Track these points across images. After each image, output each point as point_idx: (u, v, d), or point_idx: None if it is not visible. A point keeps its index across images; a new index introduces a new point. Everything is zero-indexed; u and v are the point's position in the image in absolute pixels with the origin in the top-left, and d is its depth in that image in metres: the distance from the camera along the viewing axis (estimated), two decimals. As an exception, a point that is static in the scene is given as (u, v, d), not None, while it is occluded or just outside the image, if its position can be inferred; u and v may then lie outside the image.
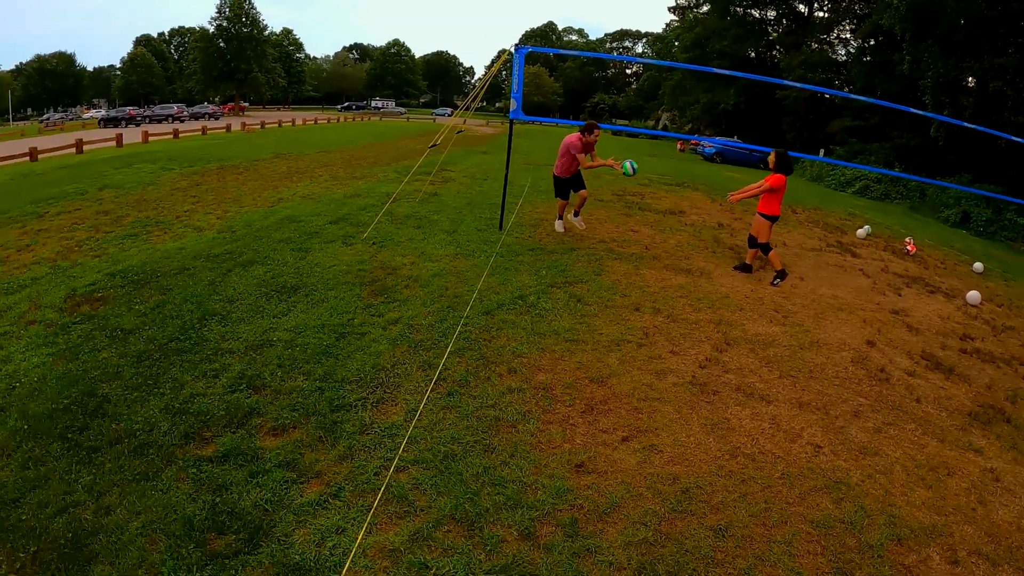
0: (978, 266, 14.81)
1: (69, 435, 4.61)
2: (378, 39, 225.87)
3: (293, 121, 48.83)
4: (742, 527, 3.94)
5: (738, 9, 56.64)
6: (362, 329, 6.17)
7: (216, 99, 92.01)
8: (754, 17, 57.74)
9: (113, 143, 25.06)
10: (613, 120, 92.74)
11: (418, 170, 12.86)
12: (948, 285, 11.78)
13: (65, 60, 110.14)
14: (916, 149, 33.71)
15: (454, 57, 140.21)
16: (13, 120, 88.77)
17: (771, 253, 9.37)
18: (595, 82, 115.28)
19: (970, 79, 27.38)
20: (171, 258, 8.48)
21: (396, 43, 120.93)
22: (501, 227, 10.35)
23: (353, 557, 3.53)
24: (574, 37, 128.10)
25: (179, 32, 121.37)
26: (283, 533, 3.73)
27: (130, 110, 60.12)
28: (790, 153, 9.16)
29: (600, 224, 11.50)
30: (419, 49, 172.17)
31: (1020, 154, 25.26)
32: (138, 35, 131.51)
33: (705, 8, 62.31)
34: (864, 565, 3.77)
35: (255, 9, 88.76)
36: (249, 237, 9.33)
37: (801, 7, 56.06)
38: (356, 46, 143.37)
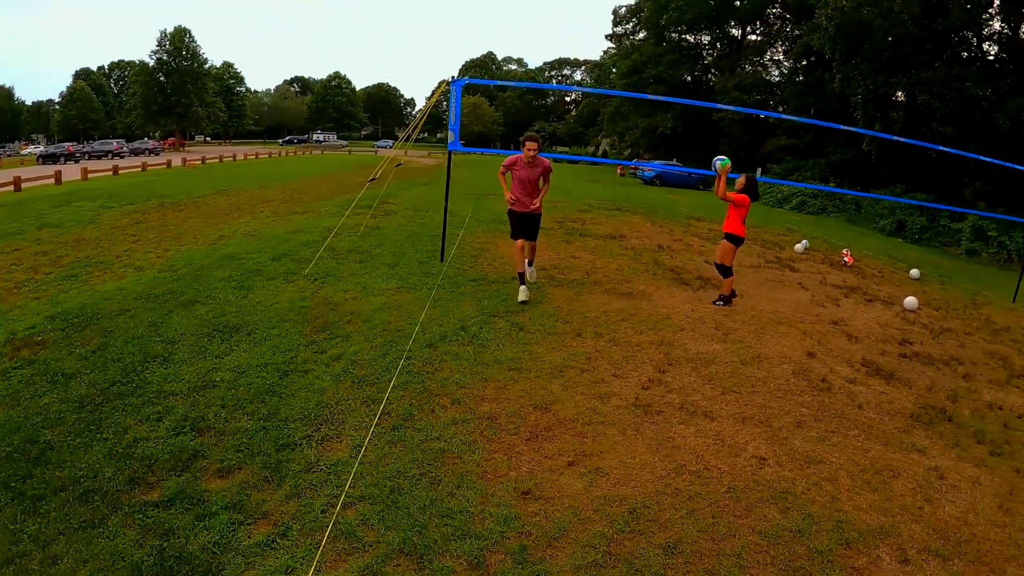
0: (914, 272, 15.60)
1: (12, 484, 4.56)
2: (319, 72, 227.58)
3: (234, 156, 49.14)
4: (691, 543, 4.11)
5: (673, 35, 59.99)
6: (305, 367, 6.25)
7: (156, 134, 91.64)
8: (689, 42, 61.21)
9: (52, 180, 25.15)
10: (554, 148, 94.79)
11: (359, 204, 13.06)
12: (886, 293, 12.40)
13: (3, 94, 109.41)
14: (850, 163, 35.70)
15: (395, 89, 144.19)
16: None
17: (729, 278, 9.70)
18: (535, 111, 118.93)
19: (899, 94, 29.19)
20: (112, 299, 8.44)
21: (337, 75, 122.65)
22: (443, 259, 10.65)
23: (303, 597, 3.60)
24: (513, 67, 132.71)
25: (119, 66, 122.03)
26: (233, 576, 3.77)
27: (69, 146, 60.03)
28: (729, 176, 9.51)
29: (541, 252, 11.72)
30: (360, 81, 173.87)
31: (950, 163, 26.74)
32: (77, 68, 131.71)
33: (641, 35, 65.94)
34: (815, 571, 3.97)
35: (196, 43, 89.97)
36: (190, 276, 9.35)
37: (735, 31, 59.82)
38: (297, 79, 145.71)
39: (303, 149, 79.48)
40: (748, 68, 55.47)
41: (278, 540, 4.03)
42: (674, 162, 47.68)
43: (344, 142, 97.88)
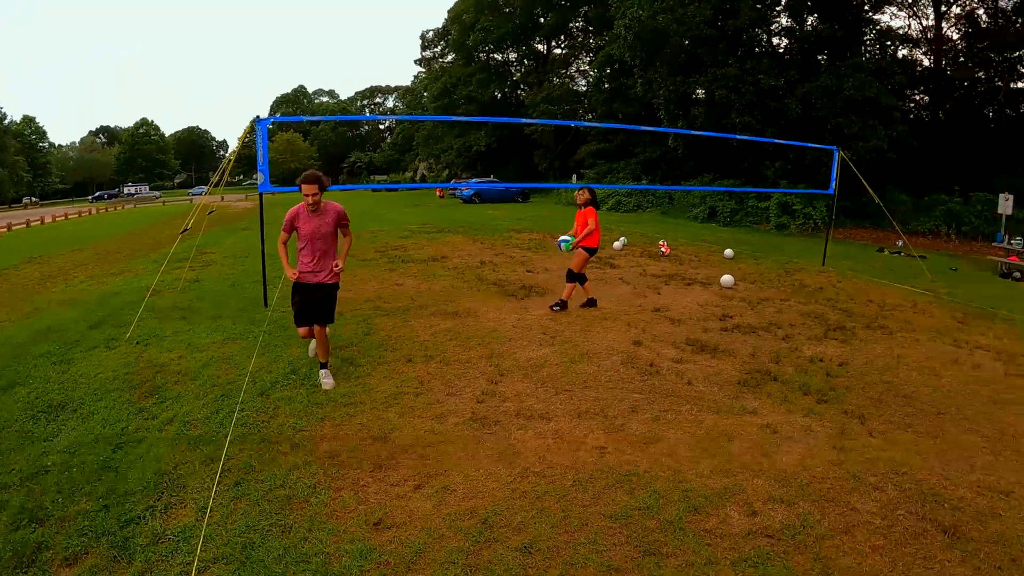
0: (728, 252, 16.93)
1: None
2: (126, 119, 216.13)
3: (42, 219, 45.24)
4: (546, 540, 4.36)
5: (481, 55, 62.42)
6: (138, 435, 6.04)
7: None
8: (497, 60, 63.95)
9: None
10: (372, 177, 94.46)
11: (176, 257, 12.65)
12: (703, 275, 13.43)
13: None
14: (659, 161, 38.51)
15: (206, 132, 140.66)
16: None
17: (573, 284, 10.37)
18: (350, 141, 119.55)
19: (699, 91, 31.64)
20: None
21: (145, 122, 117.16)
22: (266, 303, 10.55)
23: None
24: (325, 98, 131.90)
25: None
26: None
27: None
28: (544, 185, 10.19)
29: (364, 283, 12.12)
30: (169, 127, 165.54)
31: (751, 149, 29.44)
32: None
33: (450, 57, 68.11)
34: (669, 541, 4.31)
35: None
36: (7, 356, 8.69)
37: (540, 47, 63.21)
38: (103, 129, 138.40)
39: (115, 204, 74.99)
40: (556, 80, 58.55)
41: (138, 619, 3.97)
42: (491, 178, 49.67)
43: (157, 193, 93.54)
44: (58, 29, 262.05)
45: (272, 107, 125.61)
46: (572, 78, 60.39)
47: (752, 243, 21.50)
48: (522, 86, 63.40)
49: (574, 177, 46.43)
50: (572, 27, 59.85)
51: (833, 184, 16.09)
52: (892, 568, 4.09)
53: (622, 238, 18.24)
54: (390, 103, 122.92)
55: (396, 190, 59.06)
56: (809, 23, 31.76)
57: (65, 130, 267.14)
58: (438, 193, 50.62)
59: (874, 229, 26.81)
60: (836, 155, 15.84)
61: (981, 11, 34.22)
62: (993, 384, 7.75)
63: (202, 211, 12.62)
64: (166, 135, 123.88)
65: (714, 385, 7.13)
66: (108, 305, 11.28)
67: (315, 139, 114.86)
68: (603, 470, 5.20)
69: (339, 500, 4.82)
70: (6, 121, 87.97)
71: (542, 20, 58.96)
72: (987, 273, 17.96)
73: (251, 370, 7.43)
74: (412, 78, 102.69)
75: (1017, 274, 17.33)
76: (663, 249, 17.04)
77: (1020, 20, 31.56)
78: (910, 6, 35.91)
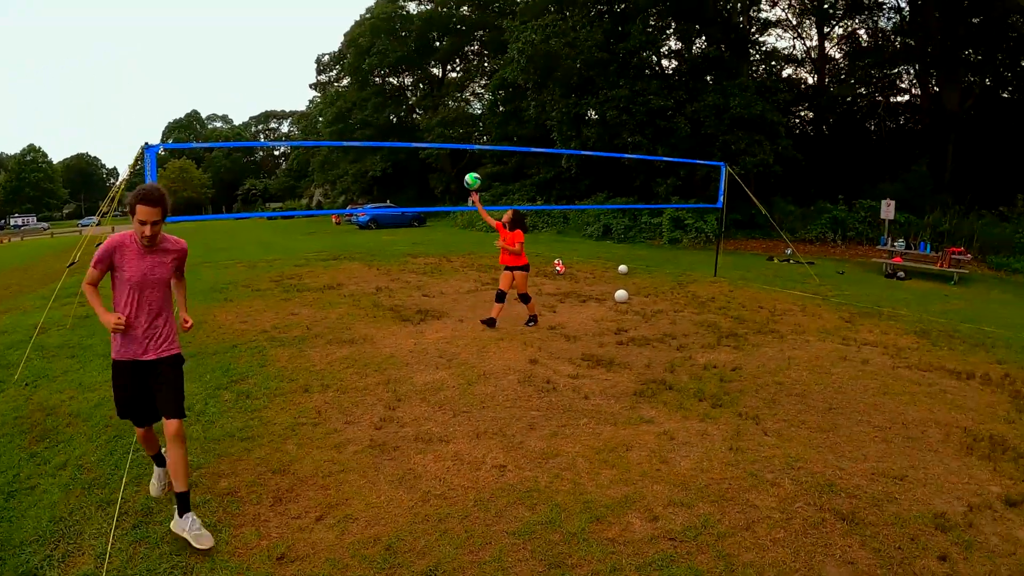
0: (623, 268, 17.29)
1: None
2: (11, 146, 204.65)
3: None
4: (450, 561, 4.33)
5: (377, 79, 62.26)
6: (30, 482, 5.73)
7: None
8: (393, 84, 63.86)
9: None
10: (267, 205, 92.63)
11: (65, 292, 12.04)
12: (598, 291, 13.68)
13: None
14: (553, 181, 39.34)
15: (96, 159, 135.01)
16: None
17: (531, 302, 10.93)
18: (245, 168, 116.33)
19: (591, 112, 32.29)
20: None
21: (32, 148, 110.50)
22: None
23: None
24: (219, 124, 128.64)
25: None
26: None
27: None
28: (440, 208, 10.30)
29: (259, 314, 11.86)
30: (57, 154, 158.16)
31: (643, 167, 30.43)
32: None
33: (346, 81, 67.44)
34: (573, 553, 4.34)
35: None
36: None
37: (436, 70, 63.53)
38: None
39: (1, 237, 71.27)
40: (451, 104, 58.97)
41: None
42: (387, 203, 49.45)
43: (45, 224, 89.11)
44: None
45: (164, 133, 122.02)
46: (467, 101, 61.01)
47: (646, 258, 22.03)
48: (418, 110, 63.59)
49: (470, 200, 46.66)
50: (467, 51, 60.65)
51: (721, 198, 16.62)
52: (795, 558, 4.22)
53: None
54: (285, 128, 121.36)
55: (292, 217, 58.15)
56: (697, 45, 33.01)
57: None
58: (334, 220, 50.17)
59: (764, 239, 27.89)
60: (724, 170, 16.39)
61: (862, 31, 36.58)
62: (881, 377, 8.15)
63: (91, 243, 12.22)
64: (54, 162, 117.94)
65: (611, 398, 7.24)
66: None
67: (209, 166, 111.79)
68: (504, 488, 5.20)
69: (240, 537, 4.69)
70: None
71: (437, 44, 59.57)
72: (873, 274, 18.90)
73: (146, 408, 7.19)
74: (307, 103, 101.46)
75: (901, 273, 18.31)
76: (558, 268, 17.31)
77: (899, 39, 33.56)
78: (794, 27, 37.99)
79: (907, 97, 37.18)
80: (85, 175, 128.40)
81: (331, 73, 71.15)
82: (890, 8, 34.86)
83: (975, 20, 29.66)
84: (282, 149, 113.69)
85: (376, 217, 42.17)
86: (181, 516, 4.61)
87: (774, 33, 37.45)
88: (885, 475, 5.37)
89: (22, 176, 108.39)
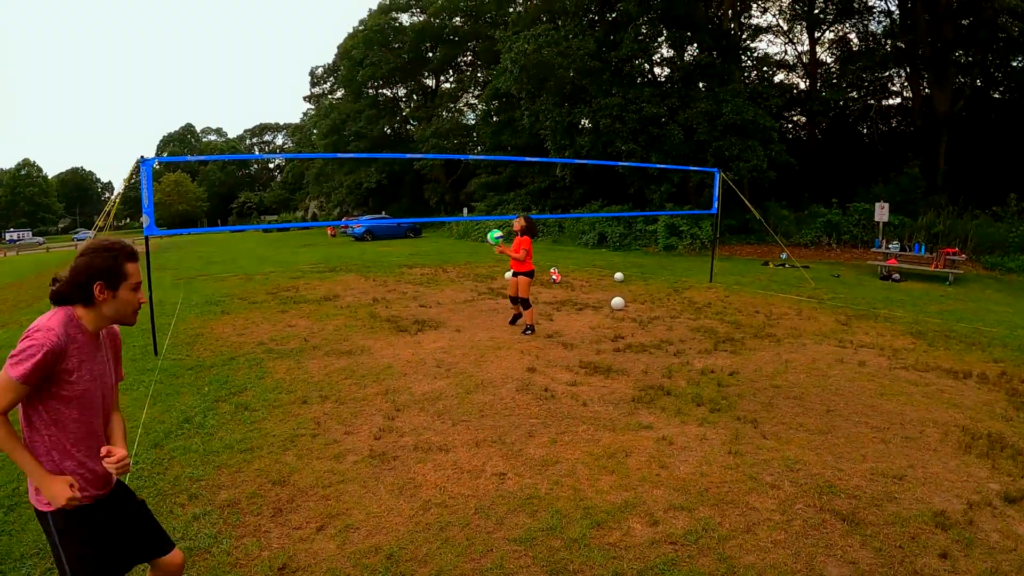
0: (618, 276, 17.32)
1: None
2: (6, 160, 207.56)
3: None
4: (452, 569, 4.33)
5: (370, 90, 62.63)
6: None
7: None
8: (386, 96, 64.21)
9: None
10: (262, 217, 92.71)
11: None
12: (594, 299, 13.74)
13: None
14: (548, 190, 39.47)
15: (91, 173, 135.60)
16: None
17: (530, 309, 10.90)
18: (239, 181, 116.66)
19: (584, 121, 32.44)
20: None
21: (27, 163, 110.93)
22: (156, 352, 10.19)
23: None
24: (213, 137, 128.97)
25: None
26: None
27: None
28: (435, 219, 10.43)
29: (256, 326, 11.90)
30: (52, 168, 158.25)
31: (637, 175, 30.38)
32: None
33: (339, 93, 67.97)
34: (574, 558, 4.35)
35: None
36: None
37: (429, 81, 64.08)
38: None
39: None
40: (445, 115, 58.96)
41: None
42: (383, 215, 49.66)
43: (40, 239, 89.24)
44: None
45: (159, 146, 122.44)
46: (461, 112, 61.03)
47: (642, 265, 22.07)
48: (412, 121, 63.84)
49: (465, 210, 47.10)
50: (460, 61, 60.93)
51: (716, 204, 16.67)
52: (795, 559, 4.23)
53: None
54: (279, 140, 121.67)
55: (287, 229, 58.37)
56: (689, 52, 33.13)
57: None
58: (329, 232, 50.33)
59: (759, 244, 27.96)
60: (717, 176, 16.45)
61: (853, 35, 36.76)
62: (878, 378, 8.18)
63: None
64: (49, 177, 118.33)
65: (609, 404, 7.26)
66: (-9, 360, 10.76)
67: (203, 179, 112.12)
68: (504, 496, 5.21)
69: (242, 548, 4.69)
70: None
71: (431, 55, 59.84)
72: (868, 277, 18.93)
73: (143, 421, 7.18)
74: (301, 115, 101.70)
75: (896, 275, 18.33)
76: (554, 276, 17.35)
77: (889, 42, 33.73)
78: (785, 33, 38.21)
79: (898, 100, 37.52)
80: (80, 189, 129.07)
81: (325, 85, 71.50)
82: (880, 12, 35.19)
83: (965, 22, 29.83)
84: (277, 161, 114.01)
85: (371, 229, 42.29)
86: None
87: (765, 39, 37.83)
88: (884, 475, 5.39)
89: (17, 190, 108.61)
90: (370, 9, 64.46)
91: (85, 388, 2.92)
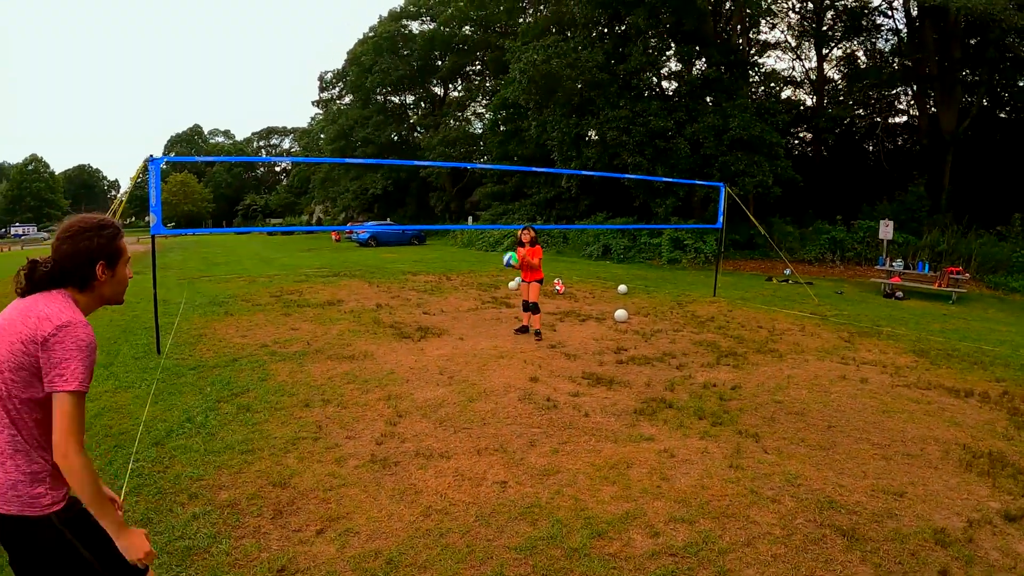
0: (622, 288, 17.35)
1: None
2: (14, 155, 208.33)
3: None
4: (452, 575, 4.37)
5: (379, 97, 63.11)
6: None
7: None
8: (394, 103, 64.81)
9: None
10: (267, 220, 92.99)
11: None
12: (597, 310, 13.75)
13: None
14: (553, 201, 39.64)
15: (97, 171, 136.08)
16: None
17: (538, 314, 11.36)
18: (246, 183, 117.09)
19: (591, 132, 32.55)
20: None
21: (34, 158, 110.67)
22: (159, 351, 10.25)
23: None
24: (221, 139, 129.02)
25: None
26: None
27: None
28: (440, 227, 10.59)
29: (259, 328, 11.97)
30: (59, 164, 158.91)
31: (643, 188, 30.52)
32: None
33: (348, 99, 68.04)
34: (574, 568, 4.35)
35: None
36: None
37: (437, 89, 64.38)
38: None
39: (1, 246, 71.26)
40: (452, 123, 59.16)
41: None
42: (387, 221, 49.84)
43: (45, 234, 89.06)
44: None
45: (166, 146, 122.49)
46: (468, 121, 61.22)
47: (645, 278, 22.10)
48: (419, 128, 64.11)
49: (470, 219, 47.33)
50: (469, 70, 61.26)
51: (721, 219, 16.69)
52: (795, 573, 4.23)
53: (517, 278, 18.48)
54: (286, 144, 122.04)
55: (292, 233, 58.64)
56: (697, 67, 33.23)
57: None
58: (334, 236, 50.55)
59: (762, 260, 27.97)
60: (723, 191, 16.47)
61: (860, 52, 36.80)
62: (880, 395, 8.18)
63: None
64: (55, 173, 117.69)
65: (611, 415, 7.27)
66: (-7, 355, 10.79)
67: (210, 180, 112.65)
68: (505, 504, 5.22)
69: (241, 549, 4.69)
70: None
71: (439, 63, 60.15)
72: (871, 294, 18.94)
73: (145, 419, 7.19)
74: (309, 119, 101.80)
75: (900, 293, 18.33)
76: (558, 287, 17.38)
77: (896, 60, 33.78)
78: (793, 49, 38.30)
79: (905, 118, 37.56)
80: (86, 186, 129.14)
81: (333, 91, 71.48)
82: (888, 30, 35.23)
83: (972, 41, 29.90)
84: (283, 165, 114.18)
85: (376, 235, 42.45)
86: None
87: (773, 55, 37.93)
88: (885, 491, 5.40)
89: (23, 185, 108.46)
90: (380, 16, 65.06)
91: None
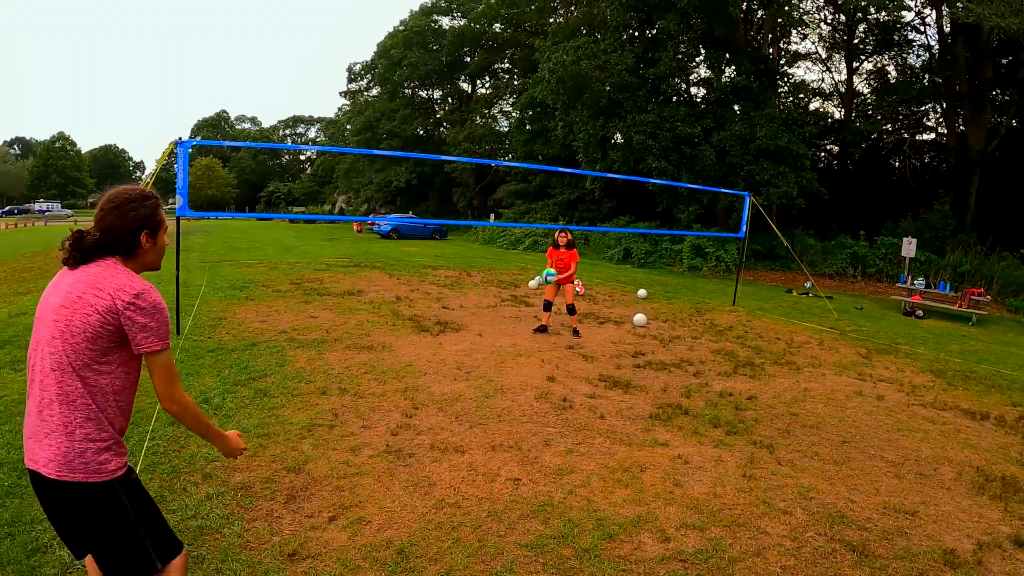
0: (642, 292, 17.36)
1: None
2: (42, 132, 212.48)
3: None
4: (462, 569, 4.38)
5: (407, 91, 63.19)
6: None
7: None
8: (422, 97, 64.89)
9: None
10: (290, 208, 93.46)
11: None
12: (617, 313, 13.79)
13: None
14: (576, 202, 39.71)
15: (123, 151, 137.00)
16: None
17: (575, 316, 11.76)
18: (270, 170, 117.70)
19: (617, 136, 32.53)
20: None
21: (61, 136, 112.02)
22: (178, 331, 10.36)
23: None
24: (247, 125, 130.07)
25: None
26: None
27: None
28: (462, 223, 10.77)
29: (279, 315, 12.08)
30: (86, 143, 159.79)
31: (666, 193, 30.47)
32: None
33: (375, 91, 68.35)
34: (584, 568, 4.38)
35: None
36: None
37: (465, 86, 64.54)
38: (18, 140, 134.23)
39: (25, 220, 71.80)
40: (479, 120, 59.12)
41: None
42: (410, 214, 50.08)
43: (69, 211, 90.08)
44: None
45: (193, 130, 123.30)
46: (495, 118, 61.15)
47: (665, 284, 22.10)
48: (445, 124, 64.15)
49: (492, 216, 47.40)
50: (497, 68, 61.13)
51: (744, 228, 16.65)
52: (802, 586, 4.25)
53: (537, 277, 18.55)
54: (312, 133, 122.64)
55: (313, 221, 58.96)
56: (726, 74, 33.12)
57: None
58: (355, 227, 50.84)
59: (783, 271, 27.89)
60: (747, 200, 16.42)
61: (891, 68, 36.51)
62: (896, 413, 8.16)
63: None
64: (82, 151, 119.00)
65: (626, 419, 7.30)
66: (15, 325, 10.86)
67: (234, 166, 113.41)
68: (517, 501, 5.26)
69: (253, 531, 4.75)
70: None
71: (468, 60, 60.20)
72: (891, 311, 18.85)
73: (162, 397, 7.30)
74: (336, 110, 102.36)
75: (920, 312, 18.24)
76: (578, 288, 17.37)
77: (927, 76, 33.54)
78: (823, 61, 38.12)
79: (932, 135, 37.20)
80: (112, 166, 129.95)
81: (361, 82, 71.57)
82: (920, 46, 34.95)
83: (1004, 60, 29.66)
84: (308, 154, 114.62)
85: (398, 227, 42.65)
86: None
87: (803, 65, 37.69)
88: (896, 509, 5.40)
89: (49, 162, 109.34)
90: (411, 10, 64.98)
91: None
